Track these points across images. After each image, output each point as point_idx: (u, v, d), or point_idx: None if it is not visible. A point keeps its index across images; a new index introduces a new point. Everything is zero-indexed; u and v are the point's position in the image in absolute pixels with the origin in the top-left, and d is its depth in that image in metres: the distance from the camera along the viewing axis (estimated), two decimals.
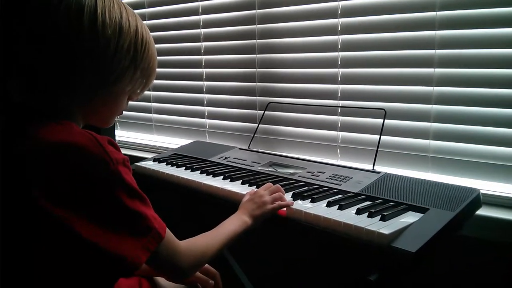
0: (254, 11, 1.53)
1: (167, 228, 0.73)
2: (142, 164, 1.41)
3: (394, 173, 1.11)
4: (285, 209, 0.97)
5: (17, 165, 0.64)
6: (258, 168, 1.28)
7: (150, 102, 1.95)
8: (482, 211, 1.02)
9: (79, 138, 0.65)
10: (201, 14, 1.69)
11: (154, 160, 1.44)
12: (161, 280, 0.98)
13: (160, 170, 1.32)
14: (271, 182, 1.09)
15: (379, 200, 0.98)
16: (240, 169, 1.29)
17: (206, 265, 0.99)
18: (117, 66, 0.72)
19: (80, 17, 0.67)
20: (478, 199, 0.96)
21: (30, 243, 0.65)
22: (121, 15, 0.72)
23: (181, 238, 0.79)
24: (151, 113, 1.96)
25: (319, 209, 0.94)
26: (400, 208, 0.92)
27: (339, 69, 1.37)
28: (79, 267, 0.66)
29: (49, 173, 0.62)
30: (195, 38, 1.73)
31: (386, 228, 0.81)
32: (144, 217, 0.68)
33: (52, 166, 0.63)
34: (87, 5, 0.68)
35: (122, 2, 0.75)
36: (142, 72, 0.77)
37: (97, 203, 0.64)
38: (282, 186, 1.04)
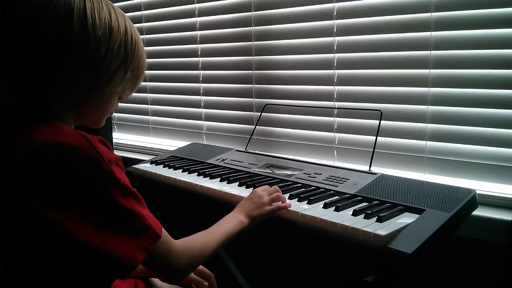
0: (250, 13, 1.53)
1: (163, 228, 0.73)
2: (139, 166, 1.40)
3: (391, 174, 1.11)
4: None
5: (8, 168, 0.64)
6: (255, 169, 1.28)
7: (147, 104, 1.95)
8: (478, 212, 1.02)
9: (70, 139, 0.65)
10: (198, 16, 1.69)
11: (151, 162, 1.44)
12: (156, 281, 0.98)
13: (157, 172, 1.32)
14: (268, 183, 1.10)
15: (376, 201, 0.98)
16: (237, 171, 1.29)
17: (201, 266, 0.99)
18: (108, 67, 0.72)
19: (69, 20, 0.67)
20: (474, 200, 0.96)
21: (24, 246, 0.65)
22: (110, 16, 0.72)
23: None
24: (148, 115, 1.96)
25: (316, 210, 0.94)
26: (397, 209, 0.93)
27: (335, 71, 1.37)
28: (75, 269, 0.66)
29: (41, 175, 0.62)
30: (192, 40, 1.73)
31: (382, 229, 0.82)
32: (139, 216, 0.68)
33: (44, 168, 0.62)
34: (76, 6, 0.68)
35: (110, 3, 0.75)
36: (132, 72, 0.77)
37: (91, 204, 0.64)
38: (279, 187, 1.04)
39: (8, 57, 0.69)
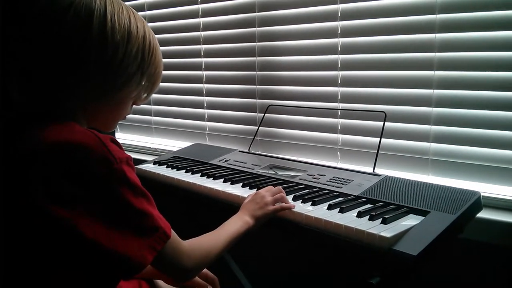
0: (254, 14, 1.53)
1: (171, 228, 0.73)
2: (142, 166, 1.40)
3: (395, 176, 1.11)
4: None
5: (19, 166, 0.64)
6: (258, 170, 1.27)
7: (150, 104, 1.95)
8: (483, 214, 1.02)
9: (82, 137, 0.64)
10: (201, 17, 1.70)
11: (154, 163, 1.44)
12: (160, 283, 0.98)
13: (160, 173, 1.31)
14: (271, 184, 1.09)
15: (380, 203, 0.98)
16: (240, 171, 1.28)
17: (205, 270, 0.99)
18: (124, 71, 0.72)
19: (89, 22, 0.67)
20: (479, 202, 0.95)
21: (32, 244, 0.64)
22: (129, 20, 0.72)
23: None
24: (151, 115, 1.96)
25: (320, 212, 0.94)
26: (401, 211, 0.92)
27: (339, 72, 1.37)
28: (83, 269, 0.66)
29: (51, 173, 0.62)
30: (195, 41, 1.73)
31: (387, 231, 0.81)
32: (150, 216, 0.68)
33: (54, 166, 0.62)
34: (97, 9, 0.68)
35: (130, 8, 0.75)
36: (148, 78, 0.77)
37: (101, 203, 0.64)
38: (283, 188, 1.04)
39: (23, 55, 0.68)
